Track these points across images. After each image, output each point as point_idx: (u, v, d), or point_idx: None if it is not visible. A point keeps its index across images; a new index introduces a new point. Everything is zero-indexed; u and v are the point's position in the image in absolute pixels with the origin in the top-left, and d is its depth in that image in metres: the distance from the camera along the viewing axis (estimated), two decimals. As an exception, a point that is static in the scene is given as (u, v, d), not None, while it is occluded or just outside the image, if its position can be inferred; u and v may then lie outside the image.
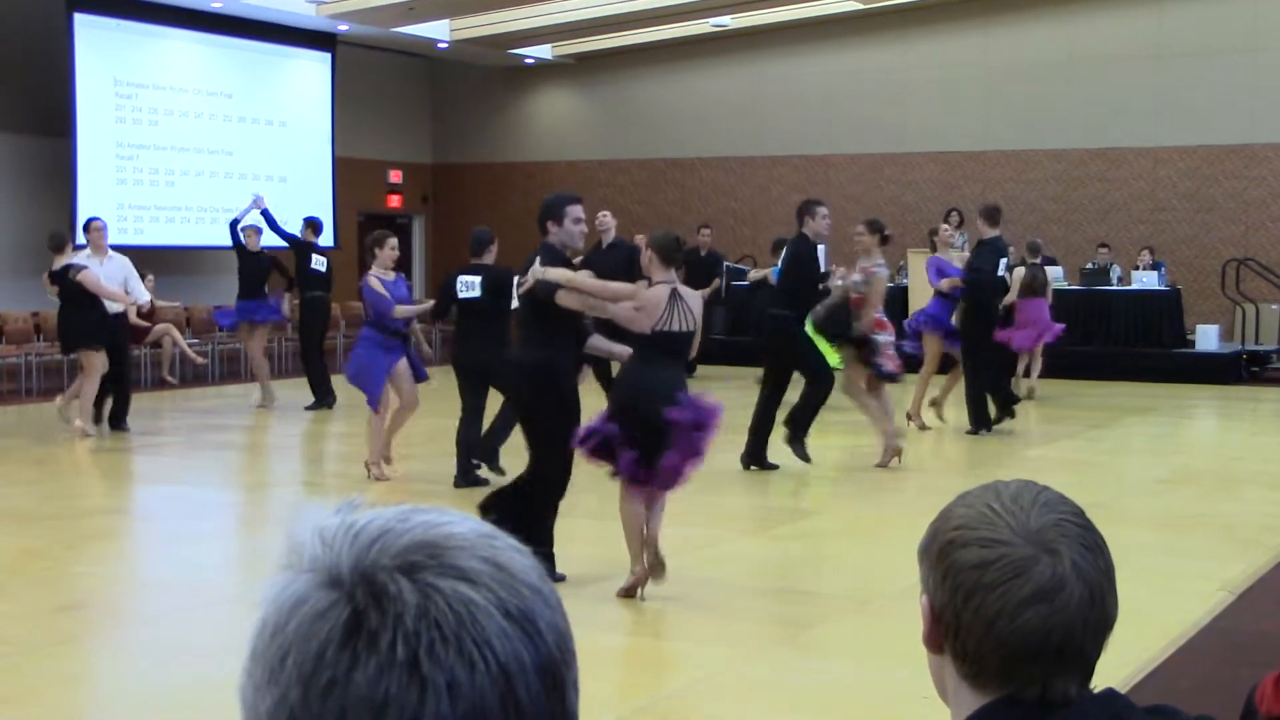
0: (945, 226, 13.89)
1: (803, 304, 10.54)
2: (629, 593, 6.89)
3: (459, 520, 0.87)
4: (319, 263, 15.08)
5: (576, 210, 7.31)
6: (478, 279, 9.96)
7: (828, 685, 5.67)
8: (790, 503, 10.00)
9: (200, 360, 17.33)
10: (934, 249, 13.88)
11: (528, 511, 7.00)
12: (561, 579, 6.92)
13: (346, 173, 22.50)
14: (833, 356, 10.88)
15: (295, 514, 0.88)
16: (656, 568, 6.92)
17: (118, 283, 12.91)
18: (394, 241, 10.48)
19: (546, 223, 7.27)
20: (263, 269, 15.39)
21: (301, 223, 15.58)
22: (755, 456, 10.74)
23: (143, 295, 13.24)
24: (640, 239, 11.35)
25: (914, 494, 9.95)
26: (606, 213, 12.96)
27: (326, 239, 16.71)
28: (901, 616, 5.86)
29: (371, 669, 0.80)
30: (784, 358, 10.63)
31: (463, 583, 0.82)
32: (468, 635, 0.81)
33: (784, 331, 10.52)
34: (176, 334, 17.10)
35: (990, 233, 12.79)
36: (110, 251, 13.26)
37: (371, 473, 10.25)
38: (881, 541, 8.36)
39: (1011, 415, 13.10)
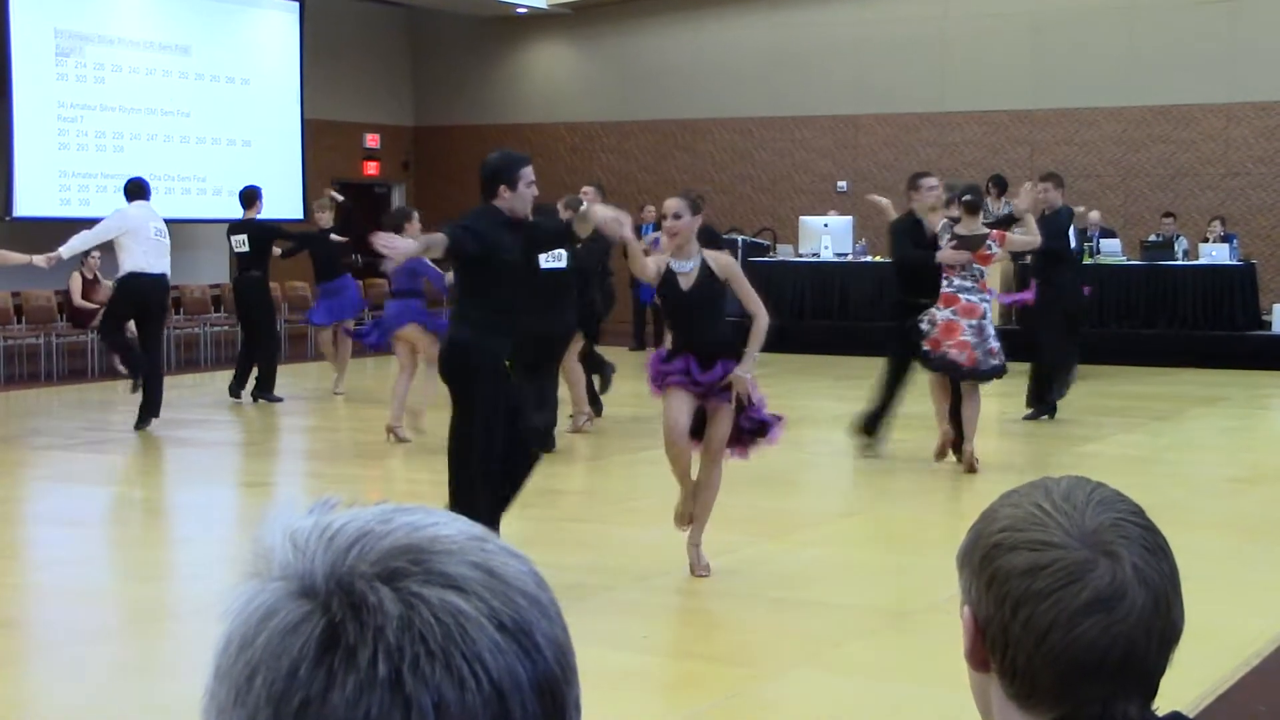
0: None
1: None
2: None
3: (447, 521, 0.87)
4: (238, 241, 14.81)
5: (530, 172, 7.26)
6: (563, 251, 10.84)
7: (858, 708, 5.68)
8: (815, 504, 10.00)
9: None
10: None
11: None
12: None
13: (317, 136, 22.48)
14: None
15: (263, 515, 0.88)
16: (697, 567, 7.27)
17: None
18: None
19: (498, 186, 7.16)
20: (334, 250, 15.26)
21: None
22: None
23: None
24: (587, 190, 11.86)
25: (952, 495, 9.96)
26: (589, 189, 12.94)
27: (295, 210, 16.62)
28: (940, 631, 5.87)
29: (349, 688, 0.80)
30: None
31: (451, 591, 0.82)
32: (456, 650, 0.81)
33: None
34: (127, 318, 17.10)
35: (1059, 201, 13.23)
36: None
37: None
38: (917, 548, 8.37)
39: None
